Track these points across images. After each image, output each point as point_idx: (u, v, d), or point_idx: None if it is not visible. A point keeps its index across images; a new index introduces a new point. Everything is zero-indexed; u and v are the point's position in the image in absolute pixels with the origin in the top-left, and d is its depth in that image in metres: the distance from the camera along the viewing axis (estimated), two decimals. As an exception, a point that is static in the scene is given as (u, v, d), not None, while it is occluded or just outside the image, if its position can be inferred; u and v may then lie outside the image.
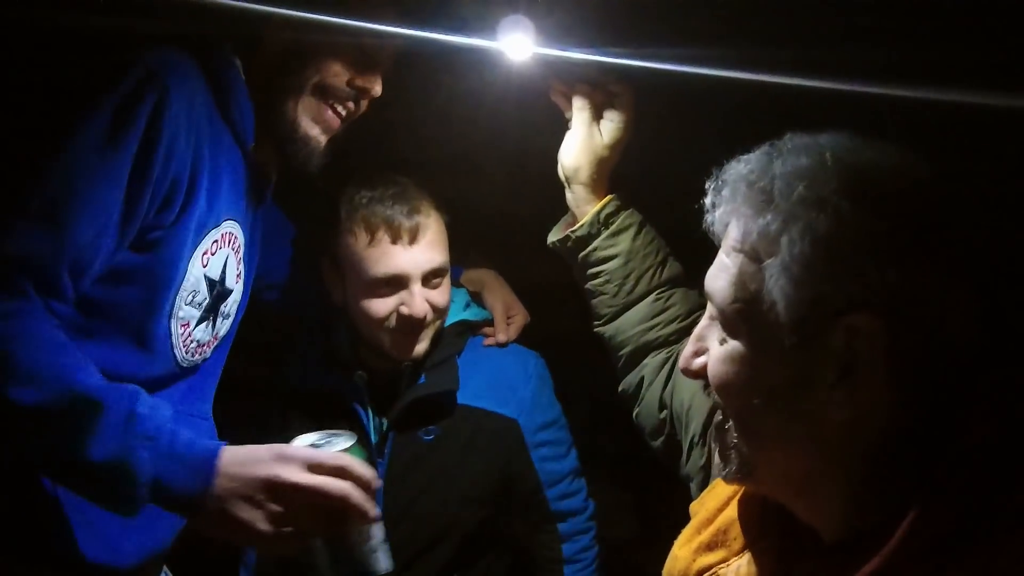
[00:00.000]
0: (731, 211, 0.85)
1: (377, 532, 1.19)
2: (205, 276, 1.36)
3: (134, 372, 1.29)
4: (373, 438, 1.73)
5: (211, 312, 1.41)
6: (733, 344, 0.85)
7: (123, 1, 1.20)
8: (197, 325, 1.39)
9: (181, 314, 1.34)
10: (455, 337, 1.78)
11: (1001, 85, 1.01)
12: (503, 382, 1.78)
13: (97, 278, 1.23)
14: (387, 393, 1.72)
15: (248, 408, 1.79)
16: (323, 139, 1.42)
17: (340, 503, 1.11)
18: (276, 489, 1.09)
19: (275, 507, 1.10)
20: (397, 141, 1.77)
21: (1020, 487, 0.72)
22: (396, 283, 1.63)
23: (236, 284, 1.48)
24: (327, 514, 1.13)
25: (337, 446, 1.16)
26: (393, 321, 1.65)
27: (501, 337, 1.82)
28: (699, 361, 0.91)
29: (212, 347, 1.47)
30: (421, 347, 1.69)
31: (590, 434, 1.76)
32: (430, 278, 1.65)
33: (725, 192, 0.87)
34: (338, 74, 1.38)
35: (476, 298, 1.87)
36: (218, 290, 1.41)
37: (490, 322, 1.84)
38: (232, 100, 1.35)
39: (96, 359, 1.19)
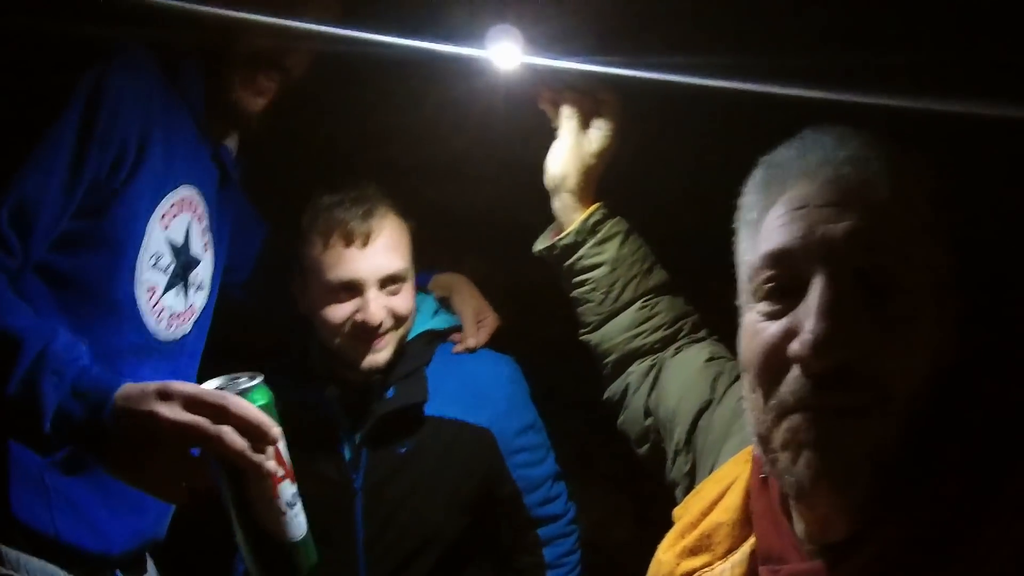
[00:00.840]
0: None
1: (285, 491, 1.06)
2: (167, 240, 1.39)
3: (108, 342, 1.31)
4: (347, 453, 1.72)
5: (180, 279, 1.43)
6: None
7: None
8: (166, 291, 1.40)
9: (145, 277, 1.35)
10: (423, 347, 1.76)
11: (982, 93, 1.03)
12: (475, 390, 1.76)
13: (56, 246, 1.25)
14: (359, 407, 1.71)
15: None
16: (256, 105, 1.45)
17: (218, 446, 1.00)
18: (156, 427, 1.02)
19: (158, 447, 1.03)
20: (386, 149, 1.77)
21: (1003, 496, 0.72)
22: (351, 288, 1.62)
23: (205, 254, 1.50)
24: (220, 460, 1.03)
25: (237, 388, 1.04)
26: (349, 328, 1.63)
27: (471, 342, 1.80)
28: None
29: (191, 320, 1.48)
30: (382, 356, 1.66)
31: (584, 438, 1.77)
32: (387, 283, 1.63)
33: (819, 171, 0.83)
34: (263, 45, 1.41)
35: (445, 304, 1.85)
36: (184, 257, 1.43)
37: (460, 328, 1.82)
38: (181, 70, 1.39)
39: (70, 330, 1.19)
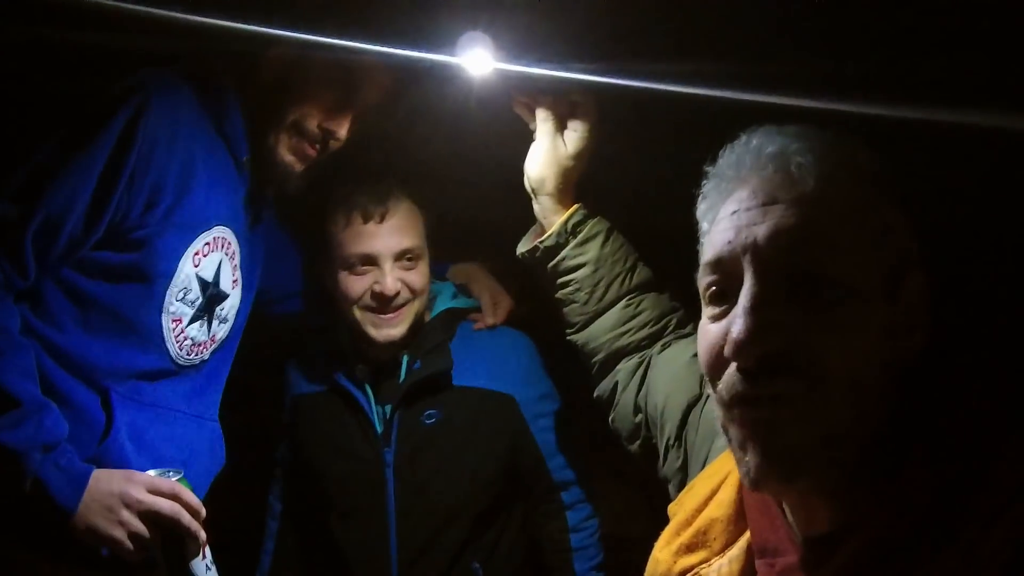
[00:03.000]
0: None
1: (208, 553, 1.41)
2: (197, 275, 1.49)
3: (130, 363, 1.46)
4: (378, 427, 1.80)
5: (205, 312, 1.54)
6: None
7: (130, 22, 1.29)
8: (191, 323, 1.51)
9: (173, 309, 1.47)
10: (445, 324, 1.86)
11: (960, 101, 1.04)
12: (496, 361, 1.85)
13: (89, 272, 1.39)
14: (388, 383, 1.81)
15: (258, 411, 1.93)
16: (298, 166, 1.57)
17: (172, 521, 1.35)
18: (124, 503, 1.33)
19: (122, 517, 1.33)
20: (360, 155, 1.77)
21: (989, 484, 0.73)
22: (369, 261, 1.73)
23: (233, 289, 1.60)
24: (164, 529, 1.36)
25: (172, 476, 1.40)
26: (368, 299, 1.73)
27: (489, 320, 1.89)
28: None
29: (210, 349, 1.59)
30: (398, 331, 1.75)
31: (596, 434, 1.78)
32: (402, 257, 1.73)
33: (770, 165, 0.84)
34: (310, 116, 1.52)
35: (463, 291, 1.94)
36: (212, 291, 1.53)
37: (478, 309, 1.91)
38: (225, 117, 1.50)
39: (94, 350, 1.41)
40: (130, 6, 1.28)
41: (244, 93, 1.52)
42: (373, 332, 1.75)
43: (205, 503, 1.58)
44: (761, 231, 0.80)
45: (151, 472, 1.39)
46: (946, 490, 0.74)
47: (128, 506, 1.33)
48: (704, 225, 0.90)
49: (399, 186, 1.76)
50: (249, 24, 1.35)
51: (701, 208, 0.91)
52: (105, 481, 1.33)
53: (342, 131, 1.55)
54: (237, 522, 1.91)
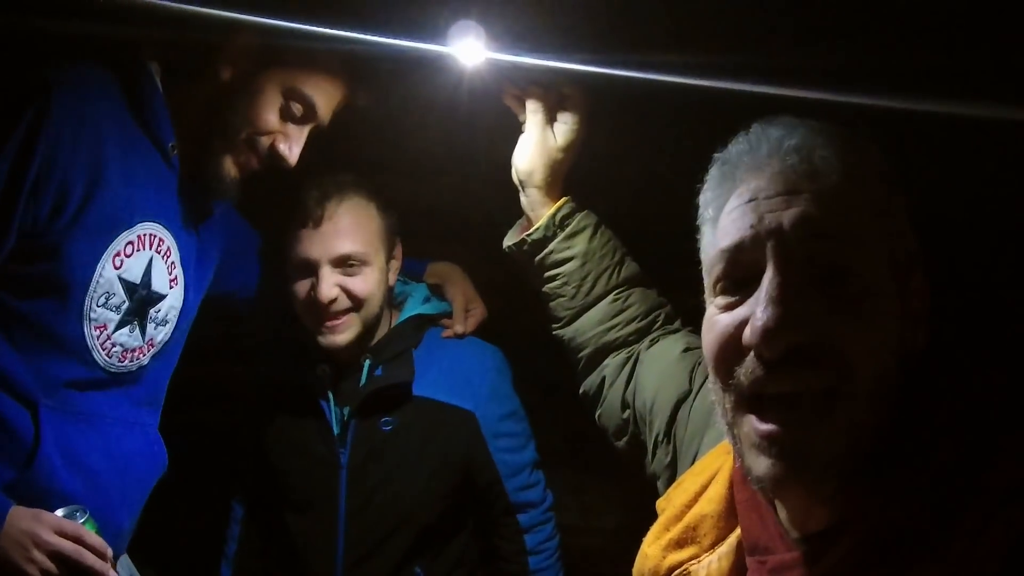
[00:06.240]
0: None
1: None
2: (120, 278, 1.42)
3: (56, 375, 1.41)
4: (336, 429, 1.77)
5: (135, 316, 1.47)
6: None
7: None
8: (118, 328, 1.45)
9: (94, 316, 1.41)
10: (412, 330, 1.82)
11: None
12: (460, 374, 1.81)
13: (5, 287, 1.34)
14: (349, 386, 1.77)
15: (220, 409, 1.92)
16: (237, 176, 1.52)
17: (75, 563, 1.38)
18: (33, 542, 1.36)
19: (33, 555, 1.36)
20: (350, 145, 1.76)
21: (984, 485, 0.73)
22: (307, 267, 1.68)
23: (171, 290, 1.52)
24: (71, 570, 1.39)
25: (78, 519, 1.43)
26: (307, 305, 1.69)
27: (459, 328, 1.85)
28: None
29: (148, 354, 1.52)
30: (341, 338, 1.71)
31: (571, 426, 1.79)
32: (341, 263, 1.68)
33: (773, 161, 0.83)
34: (265, 135, 1.49)
35: (437, 291, 1.90)
36: (141, 294, 1.46)
37: (449, 314, 1.87)
38: (145, 104, 1.42)
39: (20, 363, 1.37)
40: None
41: (170, 77, 1.45)
42: (319, 338, 1.71)
43: (152, 509, 1.61)
44: (787, 218, 0.78)
45: (59, 512, 1.42)
46: (943, 487, 0.74)
47: (37, 545, 1.36)
48: (708, 212, 0.88)
49: (352, 184, 1.70)
50: (238, 13, 1.32)
51: (706, 195, 0.89)
52: (19, 518, 1.36)
53: (293, 156, 1.51)
54: (199, 522, 1.90)
